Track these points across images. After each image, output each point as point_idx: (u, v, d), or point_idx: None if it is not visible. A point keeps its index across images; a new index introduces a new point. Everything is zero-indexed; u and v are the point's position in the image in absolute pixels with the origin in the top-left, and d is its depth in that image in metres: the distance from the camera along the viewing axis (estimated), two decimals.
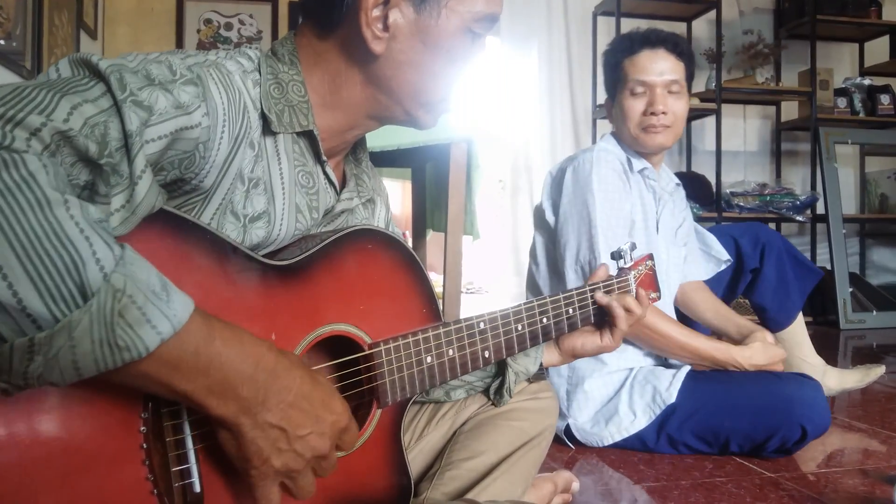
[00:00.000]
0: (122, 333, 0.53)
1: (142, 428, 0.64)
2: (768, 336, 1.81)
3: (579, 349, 1.17)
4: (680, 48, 1.78)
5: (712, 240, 2.06)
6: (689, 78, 1.82)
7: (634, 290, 1.21)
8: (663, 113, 1.74)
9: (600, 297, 1.14)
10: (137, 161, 0.62)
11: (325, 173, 0.92)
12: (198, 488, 0.66)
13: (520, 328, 1.03)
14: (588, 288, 1.14)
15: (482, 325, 0.98)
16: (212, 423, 0.65)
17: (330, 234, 0.86)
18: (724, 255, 2.05)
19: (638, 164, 1.81)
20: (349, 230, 0.87)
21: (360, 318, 0.86)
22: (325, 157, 0.91)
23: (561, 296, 1.10)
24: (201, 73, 0.74)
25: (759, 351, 1.76)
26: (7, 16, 2.49)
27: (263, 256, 0.78)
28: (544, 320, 1.06)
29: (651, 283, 1.25)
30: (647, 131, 1.76)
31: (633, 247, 1.23)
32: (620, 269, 1.21)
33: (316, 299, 0.82)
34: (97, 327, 0.52)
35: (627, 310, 1.15)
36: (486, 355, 0.98)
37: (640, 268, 1.23)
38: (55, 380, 0.53)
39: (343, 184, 0.99)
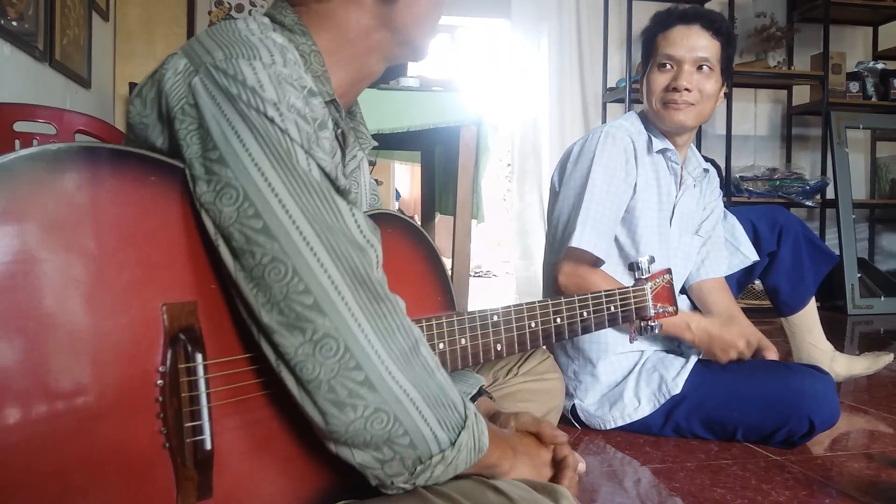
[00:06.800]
0: (481, 441, 0.79)
1: (159, 381, 0.66)
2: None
3: None
4: (716, 26, 1.70)
5: (742, 236, 1.99)
6: (726, 60, 1.73)
7: (650, 302, 1.22)
8: (686, 90, 1.68)
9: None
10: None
11: (337, 137, 0.91)
12: (208, 445, 0.68)
13: (533, 325, 1.04)
14: (604, 293, 1.14)
15: (496, 318, 0.99)
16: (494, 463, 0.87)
17: None
18: (754, 256, 1.98)
19: (659, 143, 1.75)
20: (371, 213, 0.87)
21: None
22: (342, 122, 0.89)
23: (576, 297, 1.10)
24: (304, 74, 0.76)
25: (717, 324, 1.67)
26: None
27: None
28: (558, 320, 1.07)
29: (668, 297, 1.25)
30: (667, 107, 1.71)
31: (652, 260, 1.23)
32: (637, 280, 1.21)
33: None
34: (473, 441, 0.78)
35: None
36: (499, 348, 0.99)
37: (658, 280, 1.23)
38: (438, 481, 0.76)
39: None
